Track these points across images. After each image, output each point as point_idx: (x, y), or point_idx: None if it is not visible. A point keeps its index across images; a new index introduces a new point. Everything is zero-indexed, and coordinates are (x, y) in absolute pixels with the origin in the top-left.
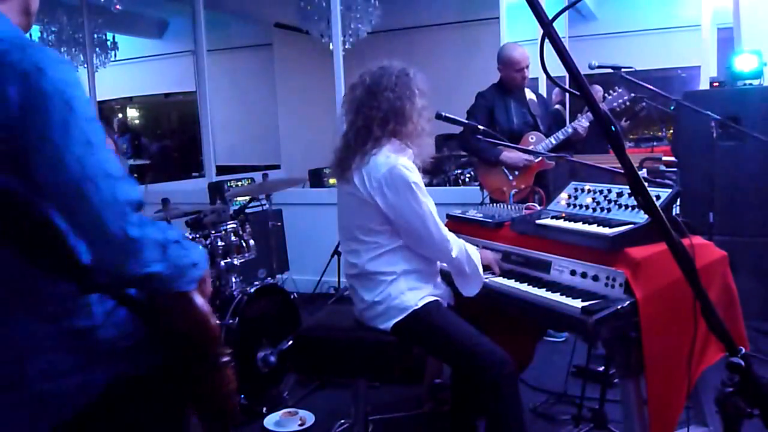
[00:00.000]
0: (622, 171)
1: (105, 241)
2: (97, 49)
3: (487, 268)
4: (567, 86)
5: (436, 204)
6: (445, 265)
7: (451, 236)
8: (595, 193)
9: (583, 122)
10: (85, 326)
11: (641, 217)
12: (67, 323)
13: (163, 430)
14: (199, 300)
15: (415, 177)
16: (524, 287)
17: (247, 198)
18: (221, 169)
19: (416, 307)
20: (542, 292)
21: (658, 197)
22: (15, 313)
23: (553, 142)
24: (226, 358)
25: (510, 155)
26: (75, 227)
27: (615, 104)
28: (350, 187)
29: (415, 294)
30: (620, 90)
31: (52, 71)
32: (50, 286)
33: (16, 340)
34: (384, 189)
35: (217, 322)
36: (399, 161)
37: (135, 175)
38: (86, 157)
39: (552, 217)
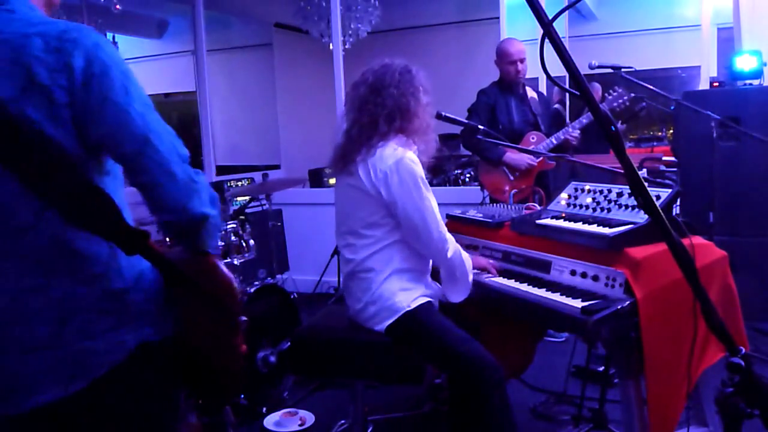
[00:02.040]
0: (622, 171)
1: (172, 181)
2: None
3: (483, 270)
4: (567, 86)
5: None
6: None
7: (449, 236)
8: (595, 193)
9: (575, 132)
10: (118, 288)
11: (641, 217)
12: (103, 285)
13: (169, 398)
14: (222, 263)
15: (421, 171)
16: (524, 287)
17: (247, 198)
18: (221, 169)
19: (408, 309)
20: (542, 292)
21: (658, 197)
22: (57, 274)
23: (554, 141)
24: (244, 318)
25: (513, 157)
26: (141, 173)
27: (615, 104)
28: (353, 179)
29: (407, 295)
30: (620, 90)
31: (107, 47)
32: (90, 248)
33: (56, 300)
34: (388, 180)
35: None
36: (406, 154)
37: None
38: (147, 115)
39: (552, 217)
